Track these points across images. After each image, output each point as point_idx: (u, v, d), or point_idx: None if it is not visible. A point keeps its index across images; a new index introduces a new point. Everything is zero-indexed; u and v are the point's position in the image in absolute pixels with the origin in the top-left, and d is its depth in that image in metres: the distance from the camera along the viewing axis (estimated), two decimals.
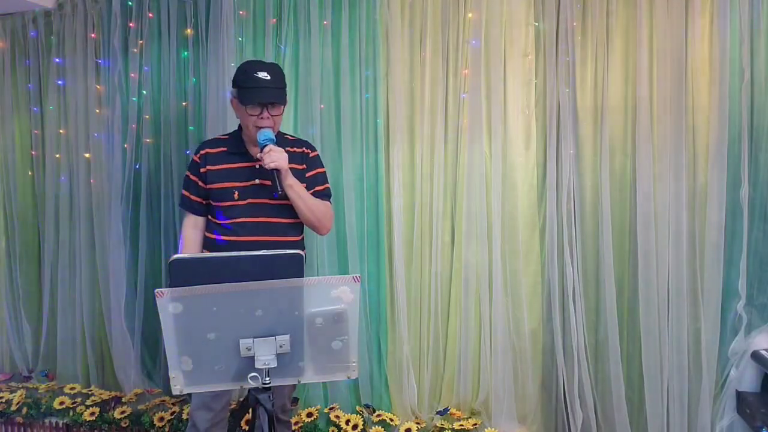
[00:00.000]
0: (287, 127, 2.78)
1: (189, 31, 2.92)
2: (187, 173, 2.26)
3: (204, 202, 2.22)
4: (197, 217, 2.25)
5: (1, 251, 3.32)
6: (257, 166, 2.14)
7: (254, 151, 2.17)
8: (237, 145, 2.21)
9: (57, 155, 3.16)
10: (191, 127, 2.95)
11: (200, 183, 2.20)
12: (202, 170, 2.19)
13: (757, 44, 2.34)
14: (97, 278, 3.09)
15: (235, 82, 2.14)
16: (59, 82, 3.14)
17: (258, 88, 2.07)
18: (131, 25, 2.98)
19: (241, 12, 2.81)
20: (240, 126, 2.24)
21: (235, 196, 2.14)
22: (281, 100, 2.14)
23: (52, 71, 3.14)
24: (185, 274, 1.39)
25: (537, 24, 2.58)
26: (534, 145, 2.59)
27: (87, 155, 3.10)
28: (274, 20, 2.78)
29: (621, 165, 2.52)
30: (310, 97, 2.74)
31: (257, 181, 2.14)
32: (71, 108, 3.11)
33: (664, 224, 2.45)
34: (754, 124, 2.36)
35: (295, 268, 1.42)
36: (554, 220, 2.57)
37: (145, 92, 3.00)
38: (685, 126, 2.41)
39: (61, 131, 3.15)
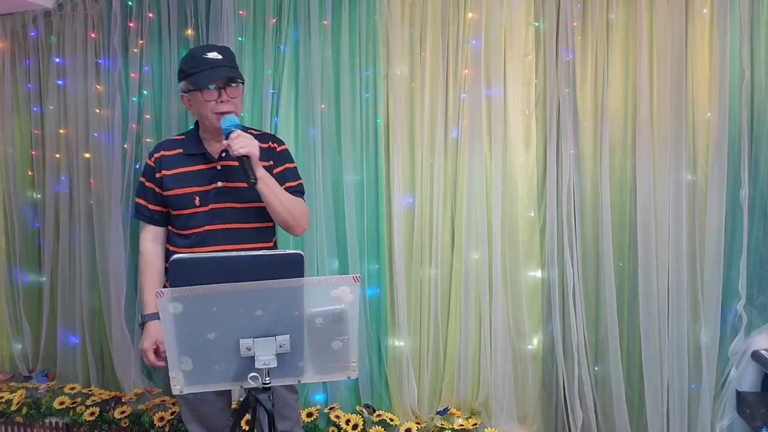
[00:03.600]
0: (288, 127, 2.78)
1: (189, 31, 2.91)
2: (142, 179, 2.05)
3: (164, 210, 2.02)
4: (156, 228, 2.05)
5: (1, 251, 3.32)
6: (218, 167, 1.97)
7: (215, 149, 1.99)
8: (195, 145, 2.01)
9: (57, 155, 3.15)
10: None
11: (157, 189, 2.00)
12: (157, 175, 2.00)
13: (757, 44, 2.34)
14: (97, 278, 3.09)
15: (183, 72, 1.94)
16: (59, 82, 3.13)
17: (211, 68, 1.89)
18: (131, 25, 2.97)
19: (241, 12, 2.81)
20: (196, 124, 2.07)
21: (196, 202, 1.94)
22: (239, 77, 1.95)
23: (52, 71, 3.14)
24: (185, 274, 1.39)
25: (537, 24, 2.58)
26: (534, 145, 2.59)
27: (87, 155, 3.09)
28: (274, 20, 2.78)
29: (621, 165, 2.52)
30: (310, 97, 2.73)
31: (219, 184, 1.96)
32: (71, 108, 3.10)
33: (664, 224, 2.45)
34: (754, 124, 2.36)
35: (295, 268, 1.42)
36: (554, 220, 2.57)
37: (145, 92, 2.99)
38: (685, 126, 2.41)
39: (61, 131, 3.15)
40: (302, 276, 1.41)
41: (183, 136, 2.10)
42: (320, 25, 2.72)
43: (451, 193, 2.68)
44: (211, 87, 1.90)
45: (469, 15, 2.61)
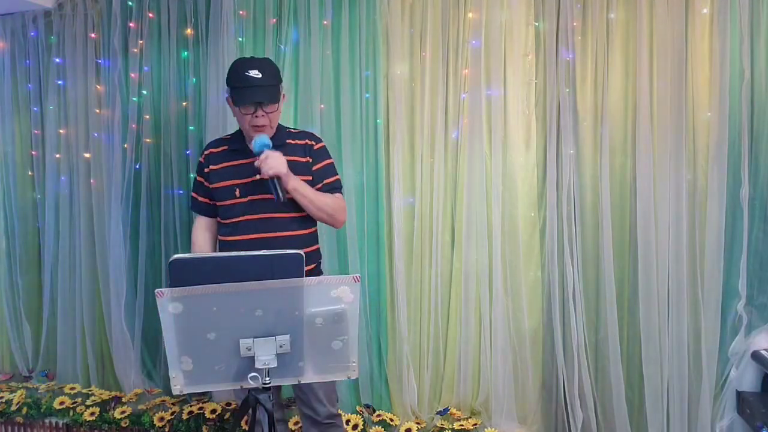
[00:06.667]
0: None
1: (189, 31, 2.92)
2: (196, 175, 2.27)
3: (211, 202, 2.21)
4: (208, 218, 2.24)
5: (1, 251, 3.32)
6: (257, 163, 2.09)
7: None
8: (238, 142, 2.18)
9: (57, 155, 3.16)
10: (191, 127, 2.94)
11: (206, 183, 2.20)
12: (206, 170, 2.19)
13: (757, 44, 2.34)
14: (97, 278, 3.09)
15: (228, 81, 2.11)
16: (59, 82, 3.13)
17: (249, 87, 2.03)
18: (131, 25, 2.97)
19: (241, 12, 2.81)
20: None
21: (237, 193, 2.12)
22: (274, 99, 2.09)
23: (52, 71, 3.14)
24: (185, 274, 1.39)
25: (537, 24, 2.58)
26: (534, 145, 2.59)
27: (87, 155, 3.09)
28: (274, 20, 2.78)
29: (621, 165, 2.52)
30: (310, 97, 2.74)
31: (258, 176, 2.08)
32: (71, 108, 3.11)
33: (664, 224, 2.45)
34: (754, 124, 2.37)
35: (295, 268, 1.42)
36: (554, 220, 2.57)
37: (145, 92, 2.99)
38: (685, 126, 2.42)
39: (61, 131, 3.15)
40: (302, 276, 1.41)
41: (230, 136, 2.27)
42: (320, 24, 2.72)
43: (451, 193, 2.68)
44: (248, 105, 2.05)
45: (469, 15, 2.61)
